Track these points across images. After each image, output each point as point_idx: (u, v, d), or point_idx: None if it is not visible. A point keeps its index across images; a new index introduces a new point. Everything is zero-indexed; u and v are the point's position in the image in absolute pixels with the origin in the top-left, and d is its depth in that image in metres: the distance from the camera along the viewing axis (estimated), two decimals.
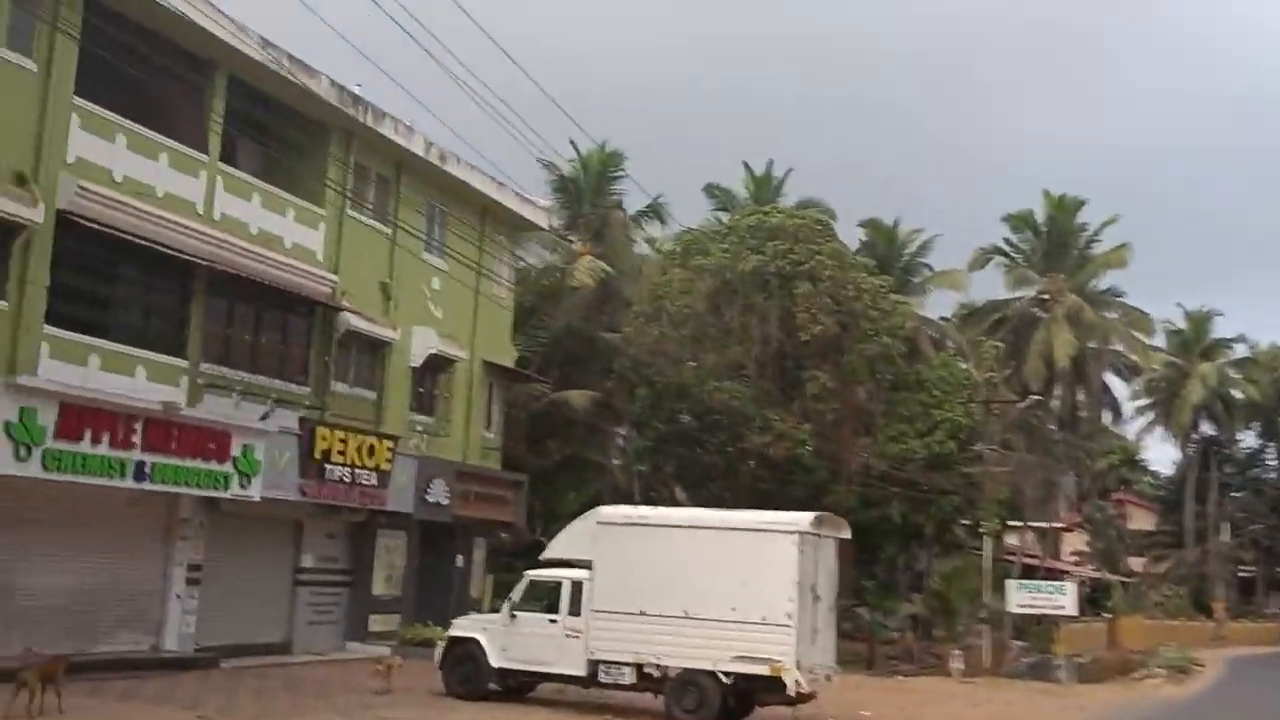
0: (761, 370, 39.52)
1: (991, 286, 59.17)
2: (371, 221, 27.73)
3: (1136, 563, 72.69)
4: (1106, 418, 64.78)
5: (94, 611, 21.65)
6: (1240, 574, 76.48)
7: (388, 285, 28.15)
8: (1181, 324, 70.81)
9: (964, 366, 44.27)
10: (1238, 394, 69.64)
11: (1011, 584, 35.97)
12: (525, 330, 39.71)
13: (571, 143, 43.86)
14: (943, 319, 56.52)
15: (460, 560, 30.85)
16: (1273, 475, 76.60)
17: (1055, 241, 58.66)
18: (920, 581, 48.30)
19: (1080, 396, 60.16)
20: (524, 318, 40.10)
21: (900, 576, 46.87)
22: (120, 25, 21.20)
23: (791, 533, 19.28)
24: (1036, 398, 45.72)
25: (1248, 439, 77.18)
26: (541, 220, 33.94)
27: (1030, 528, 60.96)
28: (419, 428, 29.43)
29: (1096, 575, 63.30)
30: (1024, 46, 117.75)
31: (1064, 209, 58.17)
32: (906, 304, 41.15)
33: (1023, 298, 58.51)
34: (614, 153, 44.68)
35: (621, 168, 44.64)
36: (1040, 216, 59.34)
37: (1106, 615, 50.85)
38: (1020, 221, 59.29)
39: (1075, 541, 70.15)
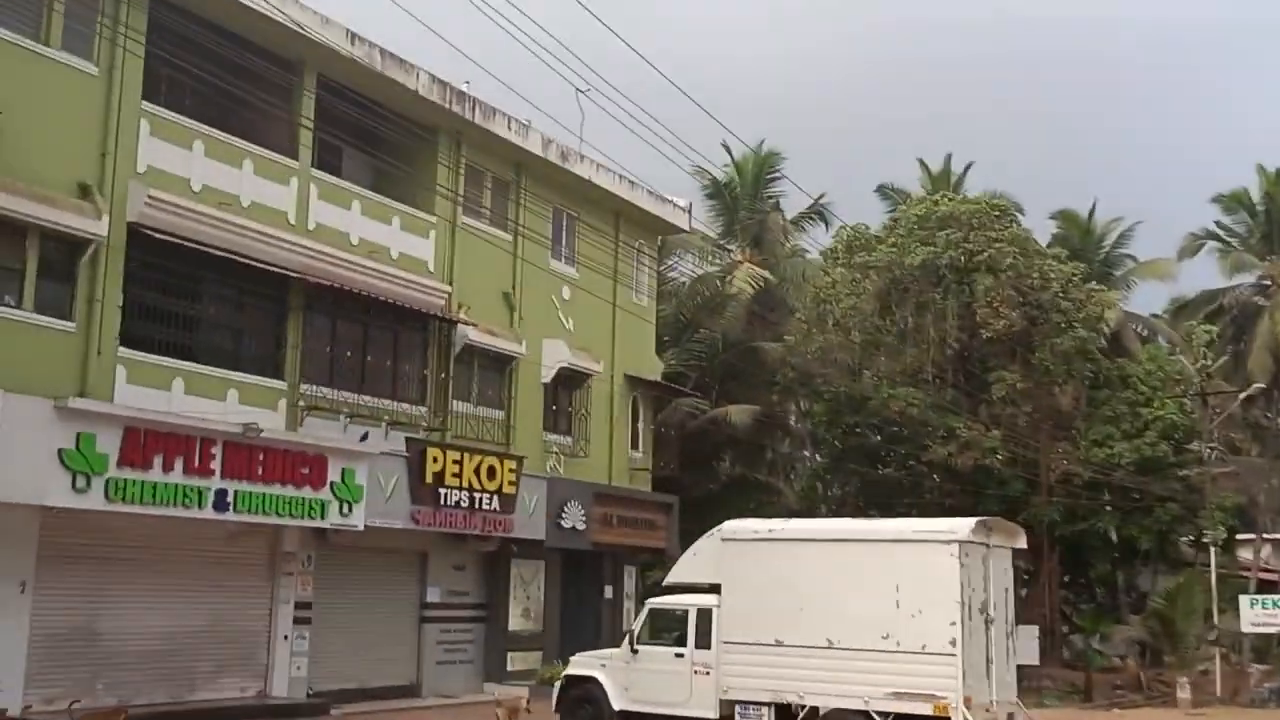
0: (941, 374, 35.79)
1: (1205, 276, 53.29)
2: (489, 229, 25.52)
3: None
4: None
5: (193, 656, 19.78)
6: None
7: (510, 296, 25.86)
8: None
9: (1177, 358, 39.33)
10: None
11: (1245, 600, 31.04)
12: (682, 344, 37.04)
13: (724, 146, 41.28)
14: (1154, 316, 51.28)
15: (609, 591, 28.22)
16: None
17: (1276, 221, 52.29)
18: (1144, 602, 43.24)
19: None
20: (680, 331, 37.48)
21: (1121, 597, 41.81)
22: (194, 23, 19.62)
23: (950, 542, 15.88)
24: (1260, 386, 40.15)
25: None
26: (681, 221, 31.15)
27: (1266, 539, 54.81)
28: (554, 448, 26.96)
29: None
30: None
31: None
32: (1104, 291, 36.54)
33: (1242, 285, 52.47)
34: (771, 154, 41.72)
35: (779, 169, 41.65)
36: (1256, 195, 53.03)
37: None
38: (1234, 202, 52.75)
39: None
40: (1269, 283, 51.17)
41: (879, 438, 37.08)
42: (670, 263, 37.38)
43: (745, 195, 41.69)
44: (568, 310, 27.55)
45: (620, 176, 28.29)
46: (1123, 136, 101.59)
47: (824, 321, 36.02)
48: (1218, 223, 54.04)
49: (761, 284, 39.01)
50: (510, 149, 25.79)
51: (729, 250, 41.11)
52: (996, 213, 35.54)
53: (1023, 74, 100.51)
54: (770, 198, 42.06)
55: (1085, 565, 39.28)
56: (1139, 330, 45.69)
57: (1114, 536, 36.40)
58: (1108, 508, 35.85)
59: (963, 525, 16.33)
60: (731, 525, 18.24)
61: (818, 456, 41.37)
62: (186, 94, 20.54)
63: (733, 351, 37.45)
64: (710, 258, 40.49)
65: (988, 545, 16.49)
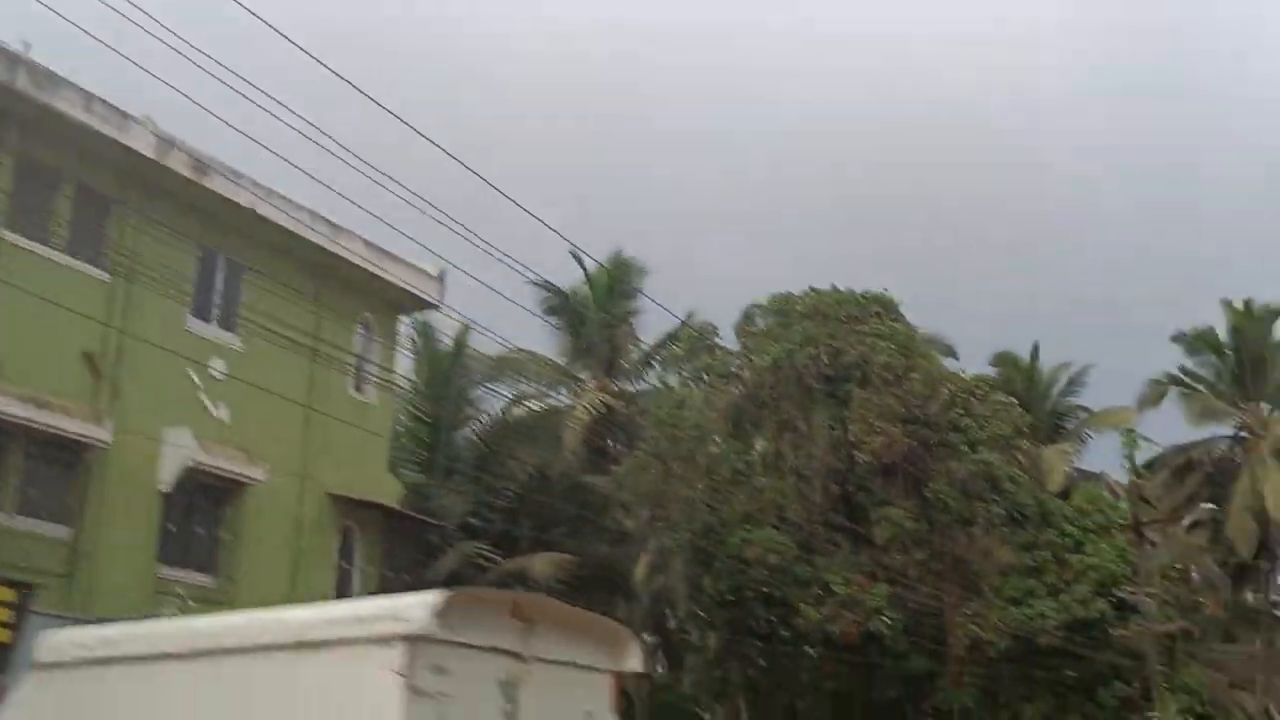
0: (812, 513, 26.88)
1: (1170, 428, 44.31)
2: (59, 256, 17.31)
3: None
4: None
5: None
6: None
7: (95, 358, 17.39)
8: None
9: (1120, 504, 30.26)
10: None
11: None
12: (485, 477, 28.37)
13: (573, 254, 33.42)
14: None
15: None
16: None
17: (1248, 362, 43.66)
18: None
19: None
20: (483, 459, 28.88)
21: None
22: None
23: (390, 643, 6.80)
24: (1210, 507, 31.00)
25: None
26: (431, 291, 22.87)
27: None
28: (178, 587, 17.99)
29: None
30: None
31: (1254, 319, 43.35)
32: (1015, 407, 27.79)
33: (1214, 436, 43.55)
34: (627, 263, 33.75)
35: (637, 284, 33.61)
36: (1223, 334, 44.61)
37: None
38: (1199, 342, 44.46)
39: None
40: (1246, 434, 42.38)
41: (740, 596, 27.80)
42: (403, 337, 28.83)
43: (595, 311, 33.52)
44: (219, 392, 19.02)
45: (325, 218, 20.24)
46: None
47: (672, 451, 27.41)
48: (1182, 367, 45.60)
49: (603, 411, 30.51)
50: (99, 143, 17.66)
51: (578, 379, 32.80)
52: (876, 308, 27.29)
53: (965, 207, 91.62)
54: (629, 314, 33.85)
55: None
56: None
57: None
58: (1035, 686, 26.26)
59: (421, 606, 7.15)
60: (46, 638, 9.13)
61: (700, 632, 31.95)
62: None
63: (551, 489, 28.62)
64: (541, 380, 32.05)
65: (517, 657, 7.39)
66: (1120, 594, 24.09)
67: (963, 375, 27.77)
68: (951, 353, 32.96)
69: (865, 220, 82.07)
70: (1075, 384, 43.73)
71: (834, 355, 25.78)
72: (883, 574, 25.81)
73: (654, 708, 29.43)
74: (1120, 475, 41.02)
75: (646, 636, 30.33)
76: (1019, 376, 42.65)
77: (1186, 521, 27.96)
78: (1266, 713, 46.54)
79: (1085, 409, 42.51)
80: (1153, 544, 25.08)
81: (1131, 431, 26.83)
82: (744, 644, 27.95)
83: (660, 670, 32.34)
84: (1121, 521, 25.66)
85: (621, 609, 29.04)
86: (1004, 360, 42.87)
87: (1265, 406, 42.64)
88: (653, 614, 29.56)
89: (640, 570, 27.67)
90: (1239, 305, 43.89)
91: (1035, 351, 43.37)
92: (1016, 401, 28.02)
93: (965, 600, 26.13)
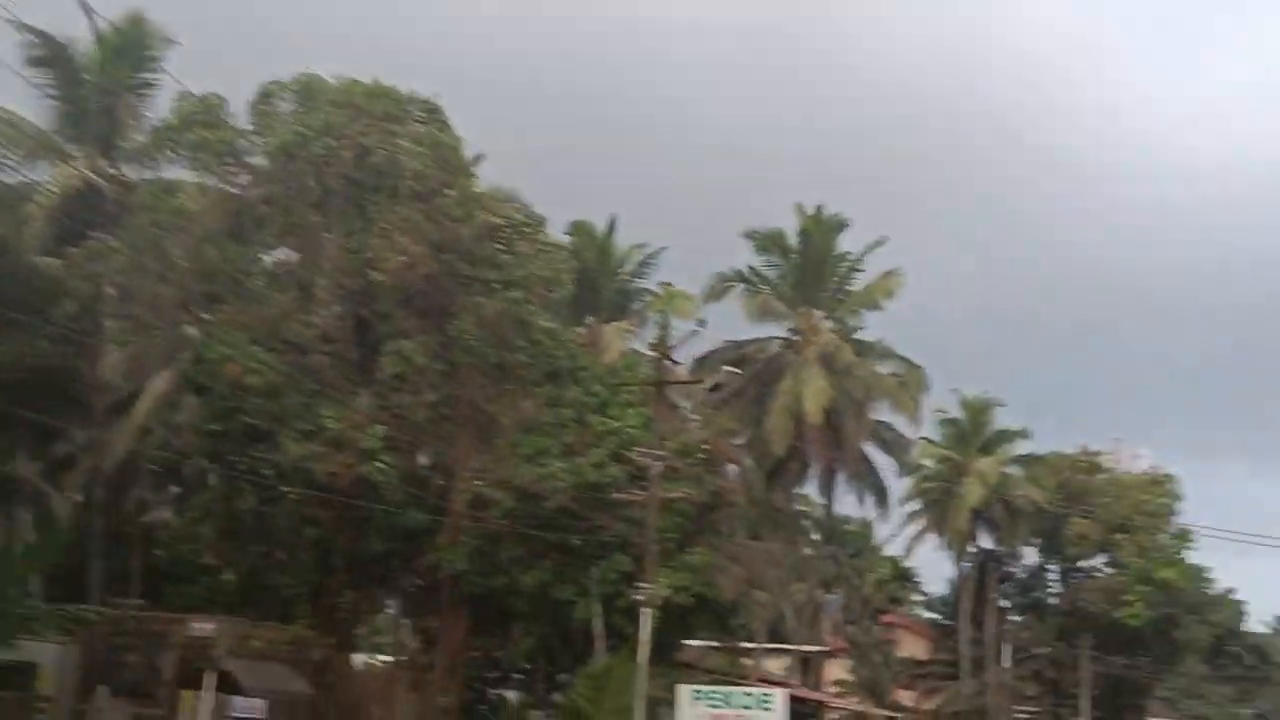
0: (314, 335, 22.92)
1: (734, 323, 43.70)
2: None
3: (908, 697, 57.75)
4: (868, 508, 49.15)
5: None
6: (1018, 713, 62.32)
7: None
8: (958, 413, 56.86)
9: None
10: (1019, 496, 55.74)
11: (684, 692, 19.72)
12: None
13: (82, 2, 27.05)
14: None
15: None
16: (1054, 599, 62.93)
17: (810, 268, 43.68)
18: None
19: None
20: None
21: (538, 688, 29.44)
22: None
23: None
24: (733, 371, 30.12)
25: (1029, 555, 63.50)
26: None
27: (781, 650, 46.09)
28: None
29: (859, 710, 47.92)
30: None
31: (822, 227, 43.33)
32: (563, 251, 24.95)
33: (770, 337, 43.49)
34: (146, 26, 27.71)
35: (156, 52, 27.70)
36: (793, 238, 44.35)
37: None
38: (768, 242, 43.94)
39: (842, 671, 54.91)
40: (797, 337, 42.50)
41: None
42: None
43: (100, 75, 27.40)
44: None
45: None
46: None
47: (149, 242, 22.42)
48: (750, 267, 45.02)
49: (85, 192, 24.86)
50: None
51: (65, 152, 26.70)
52: (419, 111, 23.42)
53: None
54: (139, 87, 27.94)
55: (507, 637, 26.99)
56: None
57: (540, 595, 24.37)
58: (542, 554, 23.84)
59: None
60: None
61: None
62: None
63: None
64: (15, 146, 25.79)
65: None
66: (633, 456, 21.89)
67: (513, 209, 24.59)
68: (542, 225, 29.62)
69: None
70: (648, 264, 42.18)
71: (360, 155, 21.77)
72: (386, 415, 22.44)
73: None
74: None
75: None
76: (592, 248, 40.58)
77: (709, 383, 26.23)
78: (780, 612, 48.04)
79: (653, 291, 41.05)
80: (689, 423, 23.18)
81: (670, 288, 25.00)
82: (236, 482, 23.69)
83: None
84: (644, 379, 23.52)
85: (79, 418, 23.87)
86: (580, 229, 40.50)
87: (819, 313, 42.98)
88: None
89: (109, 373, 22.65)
90: (810, 210, 43.86)
91: (612, 226, 41.36)
92: (569, 249, 25.12)
93: (475, 453, 23.24)
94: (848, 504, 46.59)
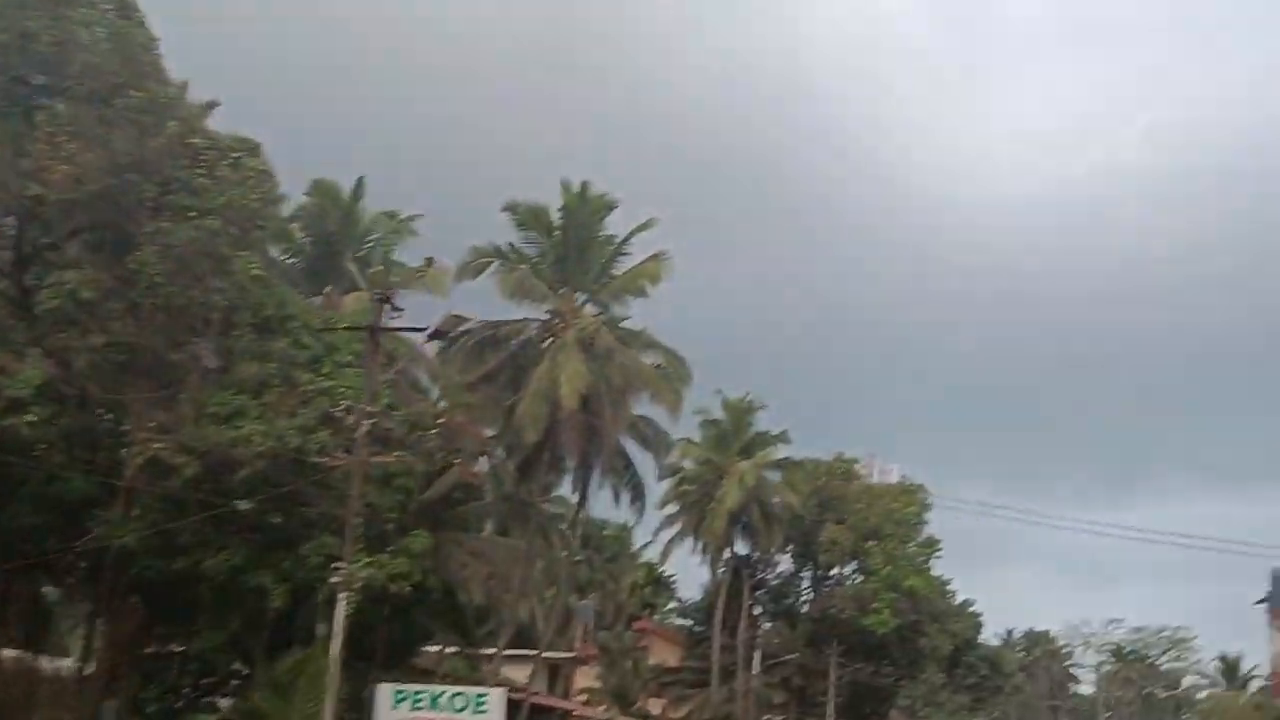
0: None
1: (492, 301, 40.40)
2: None
3: (657, 705, 56.07)
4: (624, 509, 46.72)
5: None
6: None
7: None
8: (720, 414, 55.66)
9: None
10: (776, 501, 55.11)
11: (384, 692, 16.75)
12: None
13: None
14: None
15: None
16: (806, 605, 62.66)
17: (573, 248, 40.89)
18: None
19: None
20: None
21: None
22: None
23: None
24: (457, 317, 27.44)
25: (784, 563, 63.25)
26: None
27: (527, 656, 43.33)
28: None
29: (606, 718, 45.79)
30: None
31: (586, 204, 40.53)
32: (272, 179, 21.38)
33: (528, 319, 40.52)
34: None
35: None
36: (556, 215, 41.46)
37: None
38: (529, 217, 40.74)
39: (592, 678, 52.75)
40: (557, 320, 39.74)
41: None
42: None
43: None
44: None
45: None
46: None
47: None
48: (511, 244, 41.89)
49: None
50: None
51: None
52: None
53: None
54: None
55: (189, 633, 23.12)
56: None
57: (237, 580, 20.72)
58: (234, 531, 20.20)
59: None
60: None
61: None
62: None
63: None
64: None
65: None
66: (340, 414, 18.66)
67: (214, 133, 20.83)
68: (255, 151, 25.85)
69: None
70: (400, 232, 38.83)
71: (22, 39, 17.81)
72: (43, 357, 18.50)
73: None
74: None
75: None
76: (335, 211, 37.01)
77: (428, 330, 23.19)
78: (531, 612, 45.25)
79: (401, 263, 37.67)
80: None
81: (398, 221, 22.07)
82: None
83: None
84: (355, 324, 20.32)
85: None
86: (322, 189, 36.90)
87: (581, 295, 40.27)
88: None
89: None
90: (575, 188, 41.10)
91: (359, 187, 37.73)
92: (276, 178, 21.47)
93: (155, 409, 19.46)
94: (604, 507, 44.04)
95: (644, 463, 37.86)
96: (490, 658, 38.03)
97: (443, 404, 26.23)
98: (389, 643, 25.13)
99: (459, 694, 18.80)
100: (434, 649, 36.80)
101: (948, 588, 64.03)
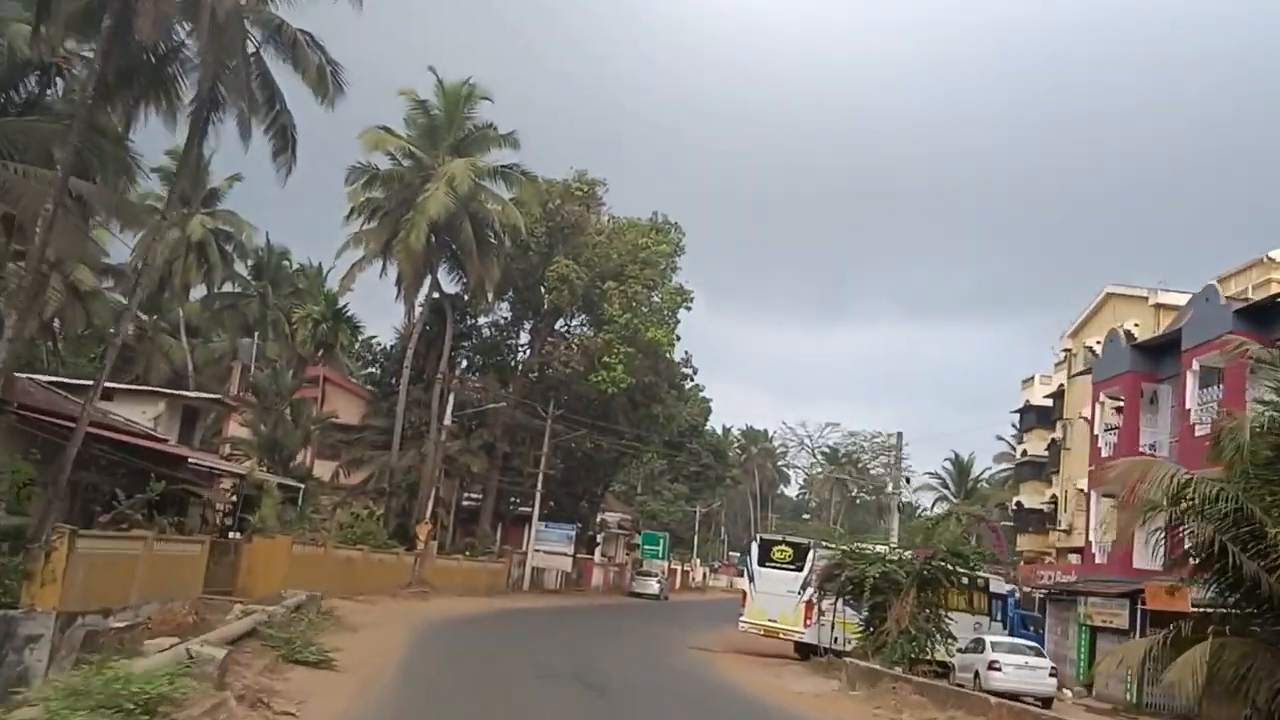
0: None
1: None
2: None
3: (329, 468, 43.21)
4: None
5: None
6: (466, 501, 49.99)
7: None
8: (433, 99, 41.27)
9: None
10: (497, 215, 41.56)
11: None
12: None
13: None
14: None
15: None
16: (523, 360, 50.35)
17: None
18: None
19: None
20: None
21: None
22: None
23: None
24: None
25: (502, 309, 50.31)
26: None
27: (151, 393, 30.77)
28: None
29: (265, 475, 32.20)
30: None
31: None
32: None
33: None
34: None
35: None
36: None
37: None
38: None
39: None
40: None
41: None
42: None
43: None
44: None
45: None
46: None
47: None
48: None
49: None
50: None
51: None
52: None
53: None
54: None
55: None
56: None
57: None
58: None
59: None
60: None
61: None
62: None
63: None
64: None
65: None
66: None
67: None
68: None
69: None
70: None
71: None
72: None
73: None
74: None
75: None
76: None
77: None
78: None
79: None
80: None
81: None
82: None
83: None
84: None
85: None
86: None
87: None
88: None
89: None
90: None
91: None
92: None
93: None
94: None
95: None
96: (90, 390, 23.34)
97: None
98: None
99: None
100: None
101: (688, 364, 53.05)
